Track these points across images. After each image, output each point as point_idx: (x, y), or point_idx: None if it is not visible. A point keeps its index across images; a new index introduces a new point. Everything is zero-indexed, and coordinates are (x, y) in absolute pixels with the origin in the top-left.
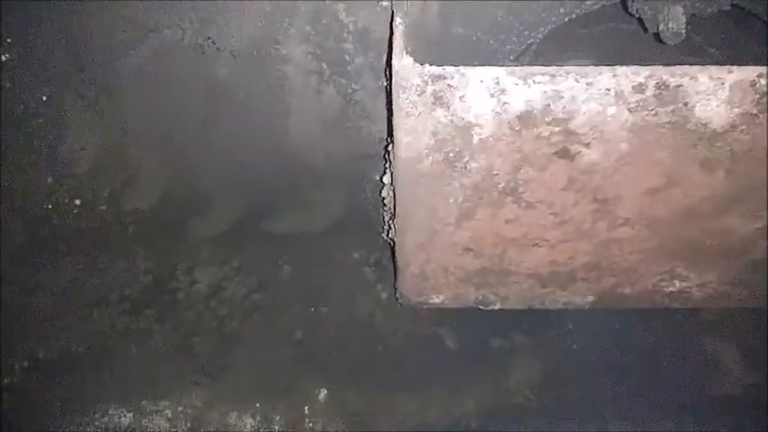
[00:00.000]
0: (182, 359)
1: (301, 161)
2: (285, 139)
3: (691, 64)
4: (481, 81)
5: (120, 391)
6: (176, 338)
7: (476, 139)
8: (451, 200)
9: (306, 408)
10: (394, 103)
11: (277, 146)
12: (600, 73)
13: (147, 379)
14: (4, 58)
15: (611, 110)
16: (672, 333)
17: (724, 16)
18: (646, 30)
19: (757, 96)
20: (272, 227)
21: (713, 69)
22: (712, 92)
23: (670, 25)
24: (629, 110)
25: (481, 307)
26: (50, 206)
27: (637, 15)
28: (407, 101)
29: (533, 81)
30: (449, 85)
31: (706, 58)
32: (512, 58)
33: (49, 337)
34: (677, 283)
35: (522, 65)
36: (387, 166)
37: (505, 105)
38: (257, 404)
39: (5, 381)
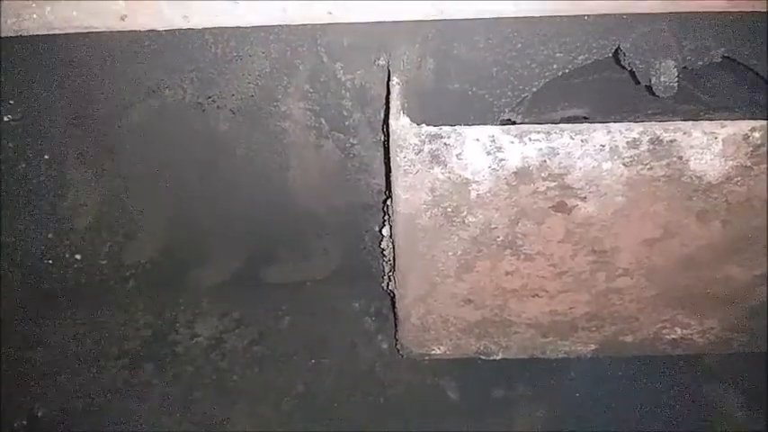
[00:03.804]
0: (182, 413)
1: (301, 212)
2: (285, 192)
3: (683, 110)
4: (477, 139)
5: None
6: (176, 392)
7: (473, 194)
8: (451, 253)
9: None
10: (392, 161)
11: (277, 198)
12: (594, 130)
13: None
14: (6, 119)
15: (607, 165)
16: (674, 380)
17: (715, 65)
18: (638, 82)
19: (750, 149)
20: (273, 277)
21: (706, 124)
22: (706, 146)
23: (662, 79)
24: (623, 164)
25: (483, 357)
26: (51, 261)
27: (629, 69)
28: (405, 159)
29: (529, 139)
30: (445, 143)
31: (698, 104)
32: (507, 111)
33: (48, 393)
34: (679, 330)
35: (517, 115)
36: (386, 219)
37: (502, 162)
38: None
39: None
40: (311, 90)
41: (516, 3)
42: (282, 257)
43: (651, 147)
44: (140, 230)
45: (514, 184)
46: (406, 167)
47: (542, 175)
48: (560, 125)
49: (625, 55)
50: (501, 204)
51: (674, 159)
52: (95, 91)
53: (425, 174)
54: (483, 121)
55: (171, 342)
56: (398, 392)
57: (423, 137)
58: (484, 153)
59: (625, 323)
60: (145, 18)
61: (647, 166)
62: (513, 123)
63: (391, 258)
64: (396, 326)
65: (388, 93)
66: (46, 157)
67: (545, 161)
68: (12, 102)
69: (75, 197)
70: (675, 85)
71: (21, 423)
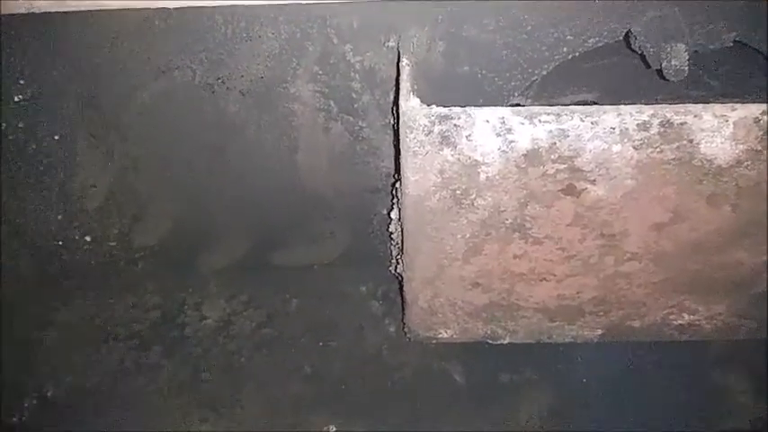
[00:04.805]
0: (190, 395)
1: (309, 195)
2: (293, 175)
3: (693, 96)
4: (487, 121)
5: (129, 427)
6: (185, 374)
7: (482, 176)
8: (459, 236)
9: None
10: (401, 142)
11: (285, 181)
12: (604, 112)
13: (155, 415)
14: (16, 99)
15: (617, 147)
16: (680, 365)
17: (726, 50)
18: (649, 66)
19: (761, 133)
20: (281, 260)
21: (717, 107)
22: (716, 129)
23: (673, 63)
24: (634, 147)
25: (490, 341)
26: (60, 242)
27: (639, 52)
28: (415, 140)
29: (539, 120)
30: (455, 125)
31: (708, 90)
32: (516, 94)
33: (58, 373)
34: (686, 315)
35: (526, 99)
36: (394, 201)
37: (512, 144)
38: None
39: (14, 418)
40: (321, 72)
41: None
42: (290, 241)
43: (661, 129)
44: (150, 212)
45: (524, 166)
46: (416, 149)
47: (552, 157)
48: (571, 107)
49: (636, 38)
50: (510, 187)
51: (685, 142)
52: (106, 71)
53: (435, 155)
54: (492, 105)
55: (179, 324)
56: (405, 376)
57: (433, 118)
58: (494, 135)
59: (632, 308)
60: None
61: (658, 149)
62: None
63: (399, 241)
64: (403, 309)
65: (398, 74)
66: (56, 137)
67: (555, 143)
68: (22, 81)
69: (85, 178)
70: (686, 69)
71: (31, 403)
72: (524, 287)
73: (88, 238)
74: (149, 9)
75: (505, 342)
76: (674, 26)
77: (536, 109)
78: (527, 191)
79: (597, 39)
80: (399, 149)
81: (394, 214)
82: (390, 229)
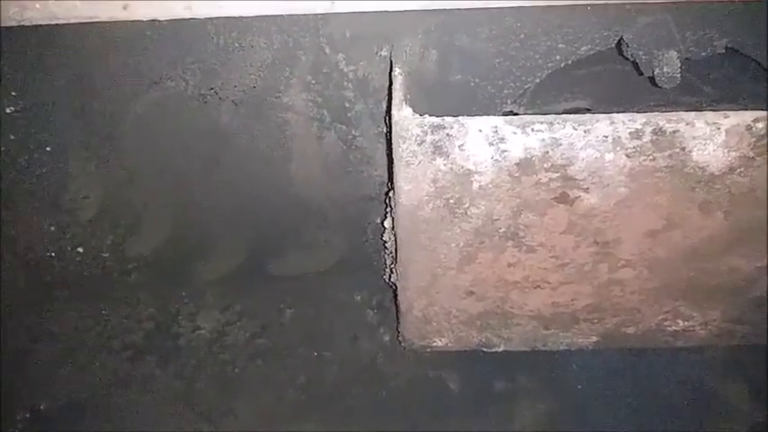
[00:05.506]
0: (184, 406)
1: (303, 205)
2: (287, 184)
3: (686, 102)
4: (480, 130)
5: None
6: (179, 385)
7: (475, 185)
8: (453, 245)
9: None
10: (394, 152)
11: (279, 190)
12: (597, 120)
13: (149, 426)
14: (8, 111)
15: (609, 156)
16: (676, 371)
17: (719, 56)
18: (641, 73)
19: (754, 140)
20: (275, 270)
21: (709, 115)
22: (709, 136)
23: (665, 70)
24: (626, 155)
25: (484, 349)
26: (53, 254)
27: (632, 60)
28: (407, 150)
29: (532, 129)
30: (448, 134)
31: (701, 96)
32: (509, 102)
33: (51, 385)
34: (681, 321)
35: (520, 106)
36: (388, 211)
37: (504, 153)
38: None
39: None
40: (313, 81)
41: None
42: (284, 250)
43: (654, 137)
44: (143, 223)
45: (517, 175)
46: (409, 158)
47: (545, 166)
48: (563, 116)
49: (628, 46)
50: (503, 196)
51: (677, 150)
52: (98, 82)
53: (428, 165)
54: (485, 113)
55: (173, 335)
56: (400, 385)
57: (425, 127)
58: (486, 144)
59: (627, 315)
60: (147, 8)
61: (650, 157)
62: (516, 115)
63: (393, 250)
64: (397, 318)
65: (391, 84)
66: (48, 148)
67: (548, 152)
68: (14, 93)
69: (77, 189)
70: (678, 75)
71: (24, 416)
72: (518, 295)
73: (81, 250)
74: (141, 21)
75: (500, 350)
76: (666, 33)
77: (528, 118)
78: (520, 199)
79: (590, 46)
80: (392, 159)
81: (387, 223)
82: (384, 238)
